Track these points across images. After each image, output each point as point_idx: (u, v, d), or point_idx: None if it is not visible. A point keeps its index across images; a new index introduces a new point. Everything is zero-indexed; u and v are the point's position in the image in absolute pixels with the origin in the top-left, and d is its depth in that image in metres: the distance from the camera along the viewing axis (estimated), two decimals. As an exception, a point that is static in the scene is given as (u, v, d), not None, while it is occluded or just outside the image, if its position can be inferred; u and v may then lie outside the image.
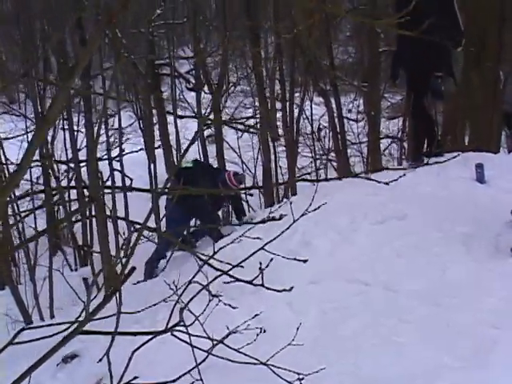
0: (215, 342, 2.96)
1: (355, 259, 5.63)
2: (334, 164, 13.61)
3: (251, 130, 14.18)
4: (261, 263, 2.67)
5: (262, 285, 2.62)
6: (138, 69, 15.25)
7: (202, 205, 8.33)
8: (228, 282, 2.84)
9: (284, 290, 2.68)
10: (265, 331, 4.54)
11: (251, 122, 15.31)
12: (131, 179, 9.13)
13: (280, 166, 13.08)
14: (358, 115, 16.28)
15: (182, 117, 9.61)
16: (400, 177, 2.70)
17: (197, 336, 2.97)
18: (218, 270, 2.66)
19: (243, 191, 10.49)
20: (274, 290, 2.67)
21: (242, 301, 4.84)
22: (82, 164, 9.55)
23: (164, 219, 8.72)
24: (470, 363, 3.83)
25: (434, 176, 7.15)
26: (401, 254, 5.52)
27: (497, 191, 6.67)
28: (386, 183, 2.48)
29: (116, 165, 9.78)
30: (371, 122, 14.42)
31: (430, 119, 8.53)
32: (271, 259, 2.78)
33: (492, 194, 6.63)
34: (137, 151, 10.10)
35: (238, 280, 2.62)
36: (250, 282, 2.64)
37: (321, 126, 15.44)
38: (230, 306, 3.27)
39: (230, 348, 3.05)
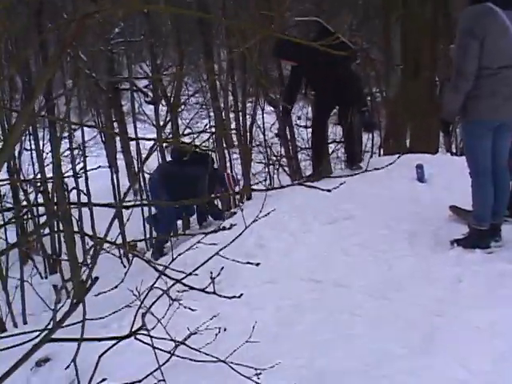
0: (177, 344, 2.94)
1: (308, 259, 5.66)
2: (286, 169, 13.64)
3: (207, 147, 14.17)
4: (212, 272, 2.68)
5: (214, 292, 2.62)
6: (99, 85, 15.19)
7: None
8: (183, 291, 2.83)
9: (234, 297, 2.68)
10: (225, 330, 4.54)
11: (206, 135, 15.31)
12: (86, 194, 9.00)
13: (236, 173, 13.09)
14: (306, 122, 16.31)
15: (140, 139, 9.59)
16: (341, 184, 2.73)
17: (159, 338, 2.95)
18: (172, 279, 2.65)
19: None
20: (225, 297, 2.67)
21: (203, 302, 4.82)
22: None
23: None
24: (417, 351, 3.88)
25: (378, 178, 7.22)
26: (349, 253, 5.58)
27: (436, 189, 6.78)
28: (329, 190, 2.51)
29: (81, 179, 9.73)
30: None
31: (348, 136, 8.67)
32: (222, 268, 2.79)
33: (432, 191, 6.74)
34: (95, 168, 9.97)
35: (191, 288, 2.62)
36: (202, 290, 2.64)
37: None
38: (190, 308, 3.26)
39: (191, 348, 3.03)
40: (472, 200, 5.35)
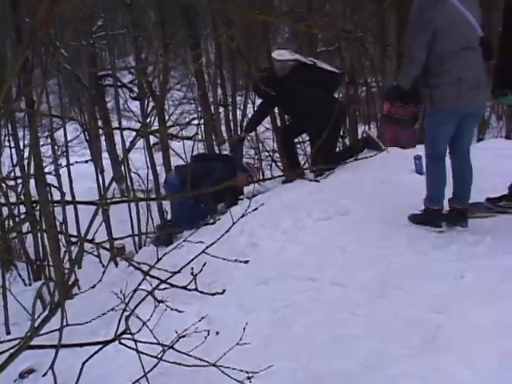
0: (165, 348, 2.90)
1: (302, 257, 5.63)
2: (280, 164, 13.59)
3: (195, 137, 14.10)
4: (192, 268, 2.64)
5: (196, 289, 2.59)
6: (81, 81, 15.14)
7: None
8: (164, 289, 2.80)
9: (217, 293, 2.65)
10: (217, 333, 4.51)
11: (195, 126, 15.24)
12: (63, 193, 8.88)
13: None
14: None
15: (123, 129, 9.51)
16: (329, 173, 2.70)
17: (145, 342, 2.91)
18: (156, 278, 2.62)
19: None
20: (207, 294, 2.65)
21: (192, 305, 4.81)
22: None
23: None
24: (418, 351, 3.85)
25: (375, 170, 7.21)
26: (346, 250, 5.55)
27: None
28: (317, 180, 2.48)
29: (64, 177, 9.63)
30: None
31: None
32: (204, 264, 2.74)
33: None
34: (83, 162, 9.88)
35: (173, 286, 2.59)
36: (184, 288, 2.61)
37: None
38: (176, 310, 3.22)
39: (180, 352, 2.99)
40: (426, 182, 5.66)
